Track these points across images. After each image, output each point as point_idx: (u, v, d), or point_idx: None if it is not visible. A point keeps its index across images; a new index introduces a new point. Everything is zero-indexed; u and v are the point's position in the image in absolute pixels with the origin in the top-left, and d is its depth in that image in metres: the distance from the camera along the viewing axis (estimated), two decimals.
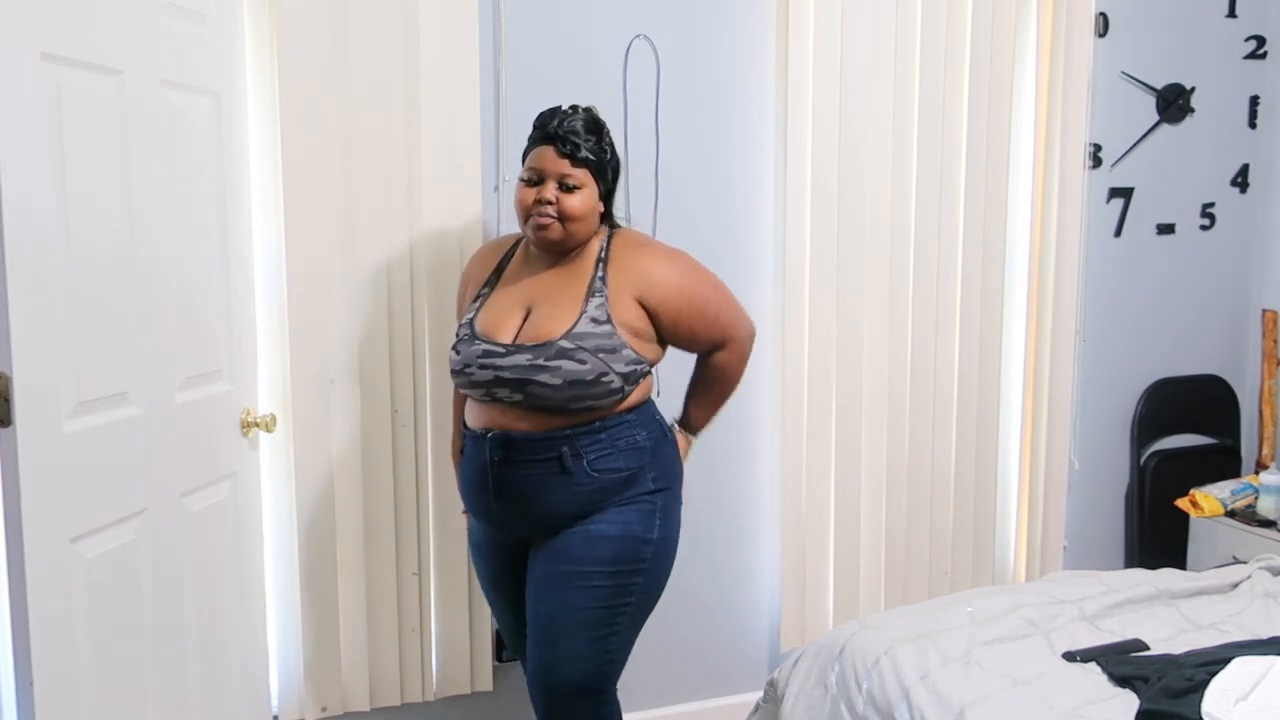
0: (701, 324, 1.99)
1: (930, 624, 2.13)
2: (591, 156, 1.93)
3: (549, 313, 1.91)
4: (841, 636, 2.16)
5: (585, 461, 1.89)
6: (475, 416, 1.98)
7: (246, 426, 2.16)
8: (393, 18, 2.29)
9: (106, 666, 1.73)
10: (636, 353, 1.90)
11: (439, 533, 2.43)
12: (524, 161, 1.98)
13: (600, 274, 1.93)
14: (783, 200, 2.66)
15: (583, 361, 1.84)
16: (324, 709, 2.40)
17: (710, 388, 2.09)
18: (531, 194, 1.92)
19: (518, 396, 1.87)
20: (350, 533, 2.36)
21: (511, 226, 2.46)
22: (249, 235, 2.21)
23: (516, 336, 1.91)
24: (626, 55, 2.56)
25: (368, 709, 2.44)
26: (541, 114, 1.99)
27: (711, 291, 2.02)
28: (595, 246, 1.97)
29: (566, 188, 1.91)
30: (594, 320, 1.88)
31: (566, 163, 1.91)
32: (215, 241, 2.05)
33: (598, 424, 1.90)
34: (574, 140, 1.92)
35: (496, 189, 2.47)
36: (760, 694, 2.31)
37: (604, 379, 1.86)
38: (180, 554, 1.93)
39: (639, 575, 1.94)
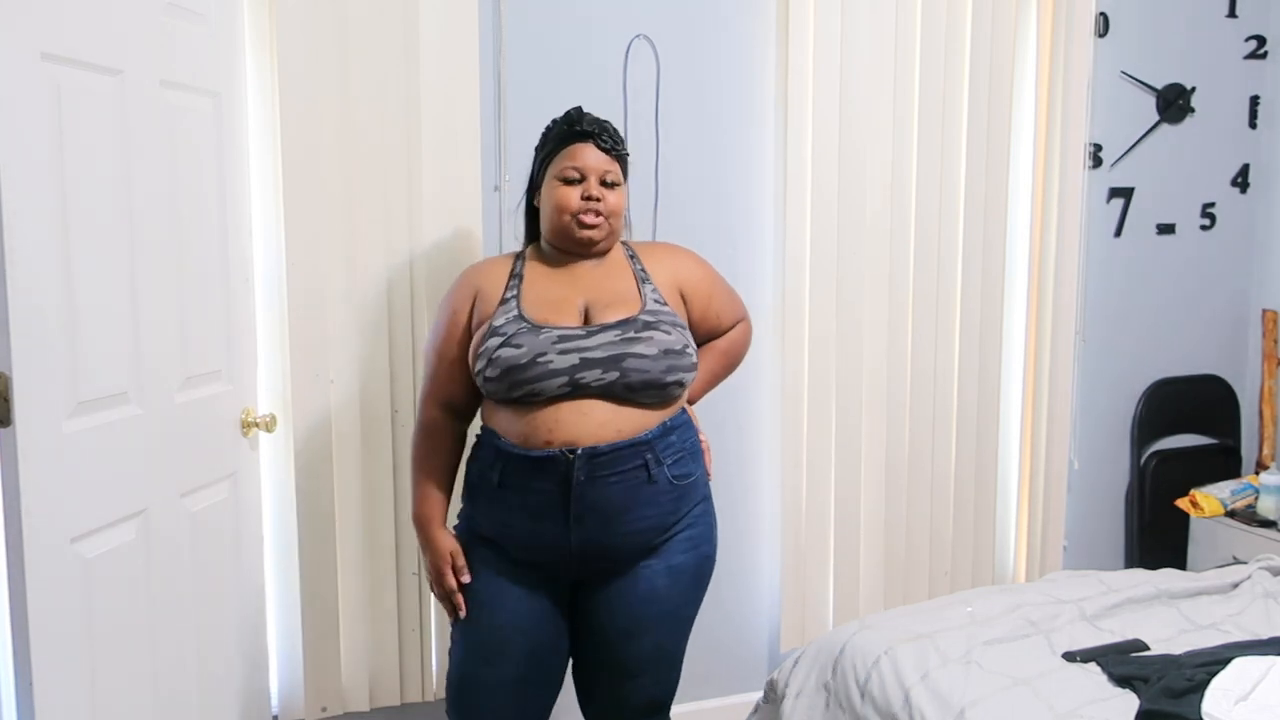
0: (724, 306, 2.07)
1: (930, 624, 2.13)
2: (626, 153, 1.96)
3: (611, 299, 1.87)
4: (841, 636, 2.16)
5: (665, 468, 1.83)
6: (539, 432, 1.78)
7: (246, 426, 2.16)
8: (393, 18, 2.29)
9: (106, 666, 1.73)
10: (691, 335, 1.93)
11: None
12: (546, 162, 1.94)
13: (639, 267, 1.95)
14: (783, 200, 2.66)
15: (668, 332, 1.83)
16: (324, 709, 2.40)
17: (724, 360, 2.12)
18: (576, 193, 1.88)
19: (612, 375, 1.77)
20: (350, 533, 2.36)
21: (516, 229, 2.46)
22: (249, 235, 2.21)
23: (586, 322, 1.85)
24: (626, 55, 2.56)
25: (368, 709, 2.44)
26: (566, 115, 1.95)
27: (724, 279, 2.11)
28: (618, 248, 1.99)
29: (608, 184, 1.90)
30: (657, 301, 1.90)
31: (607, 158, 1.90)
32: (215, 242, 2.05)
33: (669, 424, 1.85)
34: (614, 136, 1.92)
35: (496, 189, 2.47)
36: (760, 694, 2.31)
37: (687, 350, 1.86)
38: (180, 554, 1.93)
39: (704, 592, 1.98)
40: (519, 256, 2.00)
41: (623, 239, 2.04)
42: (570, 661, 1.98)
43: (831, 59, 2.64)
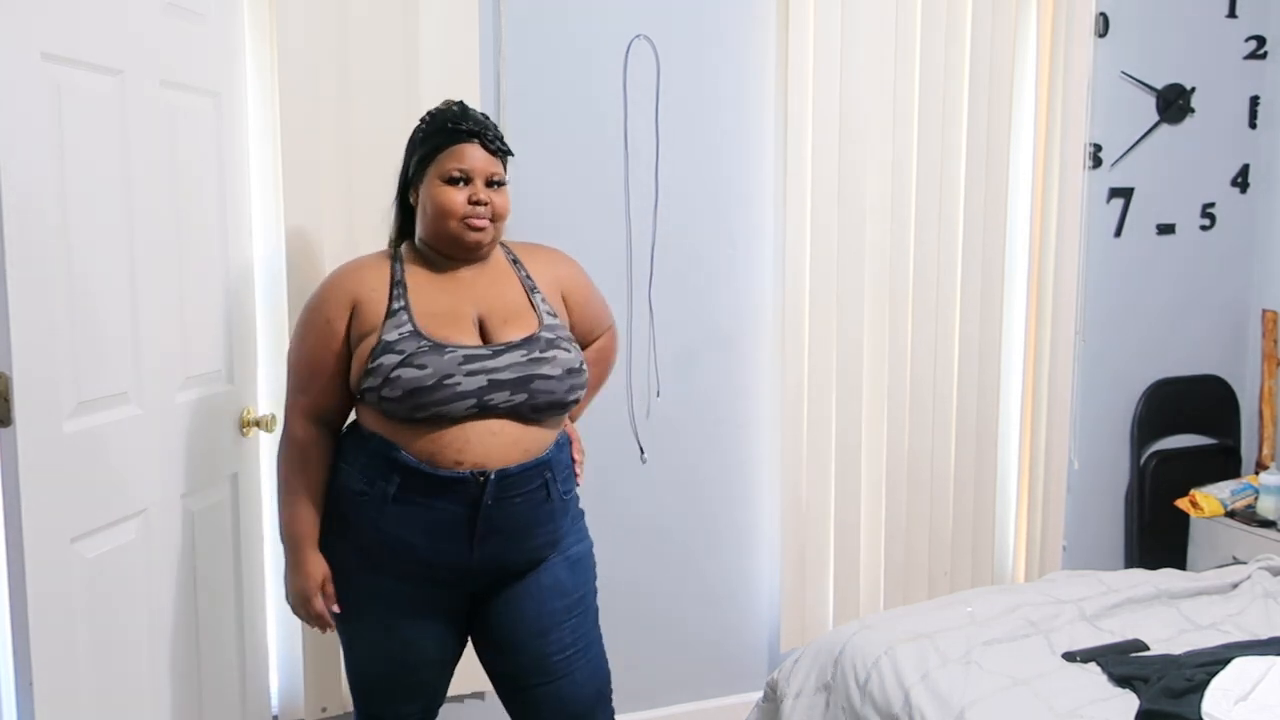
0: (599, 310, 2.06)
1: (930, 624, 2.13)
2: (510, 152, 1.88)
3: (504, 312, 1.82)
4: (841, 636, 2.16)
5: (558, 484, 1.83)
6: (448, 451, 1.72)
7: (246, 426, 2.16)
8: (393, 18, 2.29)
9: (106, 666, 1.73)
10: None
11: None
12: (426, 161, 1.83)
13: (524, 274, 1.90)
14: (783, 200, 2.66)
15: (568, 350, 1.82)
16: (324, 709, 2.40)
17: (599, 370, 2.09)
18: (463, 194, 1.79)
19: (520, 397, 1.75)
20: None
21: (514, 229, 2.46)
22: (249, 235, 2.21)
23: (484, 339, 1.79)
24: (626, 55, 2.56)
25: None
26: (442, 112, 1.85)
27: (595, 285, 2.07)
28: (497, 250, 1.92)
29: (493, 184, 1.82)
30: (550, 314, 1.86)
31: (494, 159, 1.83)
32: (215, 241, 2.05)
33: (560, 440, 1.85)
34: (497, 135, 1.84)
35: None
36: (760, 694, 2.31)
37: (583, 366, 1.84)
38: (180, 554, 1.93)
39: (596, 580, 1.98)
40: (394, 258, 1.86)
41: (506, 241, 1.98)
42: (493, 683, 1.94)
43: (831, 59, 2.64)
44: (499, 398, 1.74)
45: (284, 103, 2.22)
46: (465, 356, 1.73)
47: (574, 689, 1.89)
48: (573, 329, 1.95)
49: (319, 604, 1.82)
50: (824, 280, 2.70)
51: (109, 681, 1.74)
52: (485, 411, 1.74)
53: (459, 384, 1.71)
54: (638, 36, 2.56)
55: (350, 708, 2.41)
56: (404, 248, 1.90)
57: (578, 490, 1.94)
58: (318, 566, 1.82)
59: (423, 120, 1.88)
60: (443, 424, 1.72)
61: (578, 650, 1.89)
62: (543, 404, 1.78)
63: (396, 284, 1.80)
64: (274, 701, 2.38)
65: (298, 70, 2.22)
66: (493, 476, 1.72)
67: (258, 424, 2.18)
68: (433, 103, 2.31)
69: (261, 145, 2.25)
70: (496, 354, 1.76)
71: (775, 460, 2.76)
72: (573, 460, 1.92)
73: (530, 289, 1.88)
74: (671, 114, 2.60)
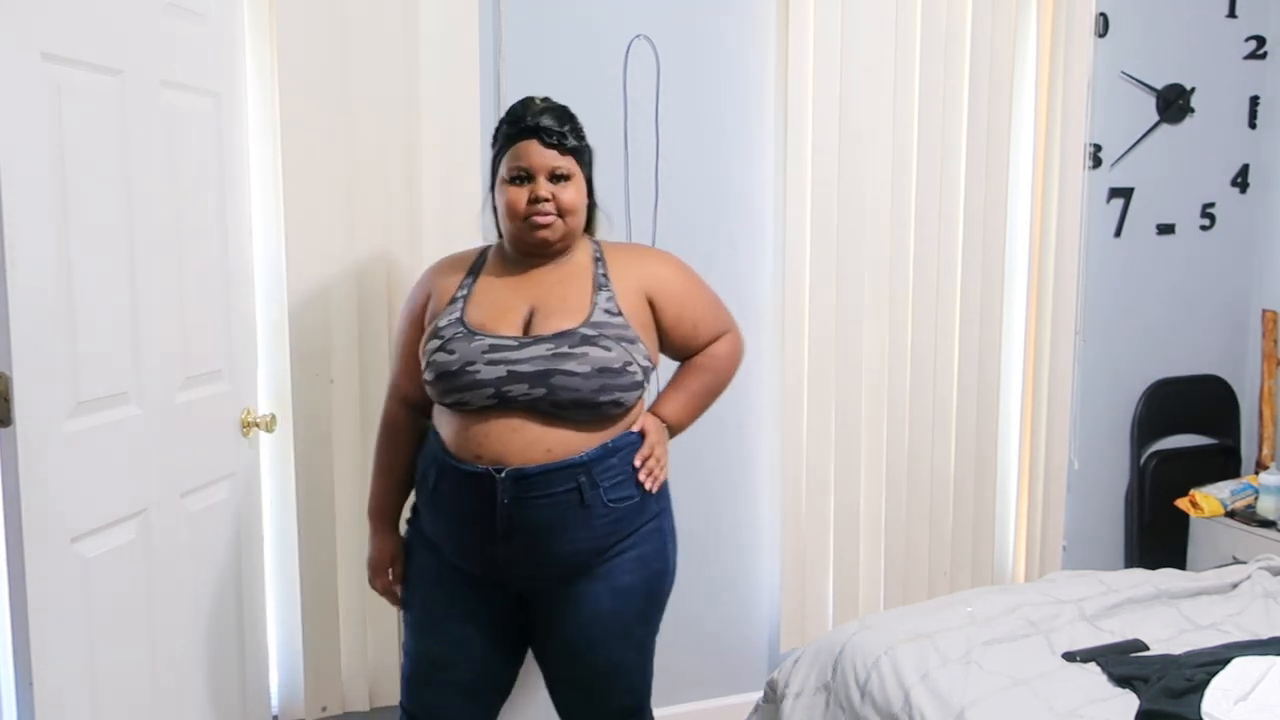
0: (703, 314, 1.93)
1: (930, 624, 2.13)
2: (575, 143, 1.83)
3: (558, 307, 1.77)
4: (841, 636, 2.16)
5: (601, 491, 1.74)
6: (469, 444, 1.73)
7: (246, 426, 2.16)
8: (393, 18, 2.29)
9: (106, 666, 1.73)
10: (647, 349, 1.81)
11: None
12: (497, 162, 1.85)
13: (601, 271, 1.84)
14: (783, 200, 2.66)
15: (608, 349, 1.72)
16: (324, 709, 2.40)
17: (706, 378, 1.96)
18: (524, 193, 1.79)
19: (539, 391, 1.69)
20: (350, 533, 2.36)
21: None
22: (249, 235, 2.21)
23: (526, 331, 1.76)
24: (626, 55, 2.56)
25: (367, 709, 2.44)
26: (511, 109, 1.86)
27: (706, 287, 1.97)
28: (587, 250, 1.90)
29: (557, 179, 1.80)
30: (607, 312, 1.77)
31: (554, 153, 1.79)
32: (215, 241, 2.05)
33: (610, 445, 1.75)
34: (556, 130, 1.80)
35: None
36: (760, 694, 2.31)
37: (629, 368, 1.74)
38: (180, 554, 1.93)
39: (663, 607, 1.93)
40: (483, 253, 1.92)
41: (596, 238, 1.95)
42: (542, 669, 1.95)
43: (831, 59, 2.64)
44: (517, 390, 1.70)
45: (284, 103, 2.22)
46: (491, 345, 1.73)
47: (604, 704, 1.91)
48: (668, 332, 1.88)
49: (382, 580, 1.93)
50: (824, 280, 2.70)
51: (109, 681, 1.74)
52: (505, 404, 1.71)
53: (478, 372, 1.71)
54: (638, 36, 2.56)
55: (350, 708, 2.43)
56: (496, 244, 1.94)
57: (654, 500, 1.84)
58: (386, 544, 1.94)
59: (499, 119, 1.91)
60: (469, 415, 1.74)
61: (610, 675, 1.88)
62: (564, 401, 1.71)
63: (469, 276, 1.87)
64: (274, 701, 2.38)
65: (298, 70, 2.22)
66: (505, 474, 1.70)
67: (258, 424, 2.18)
68: (433, 102, 2.34)
69: (261, 145, 2.25)
70: (522, 345, 1.72)
71: (775, 460, 2.76)
72: (634, 465, 1.80)
73: (599, 286, 1.82)
74: (671, 114, 2.60)
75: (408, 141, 2.32)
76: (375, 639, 2.42)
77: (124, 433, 1.77)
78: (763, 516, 2.81)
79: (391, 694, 2.44)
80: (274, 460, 2.33)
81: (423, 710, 1.88)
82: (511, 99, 2.45)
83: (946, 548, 2.91)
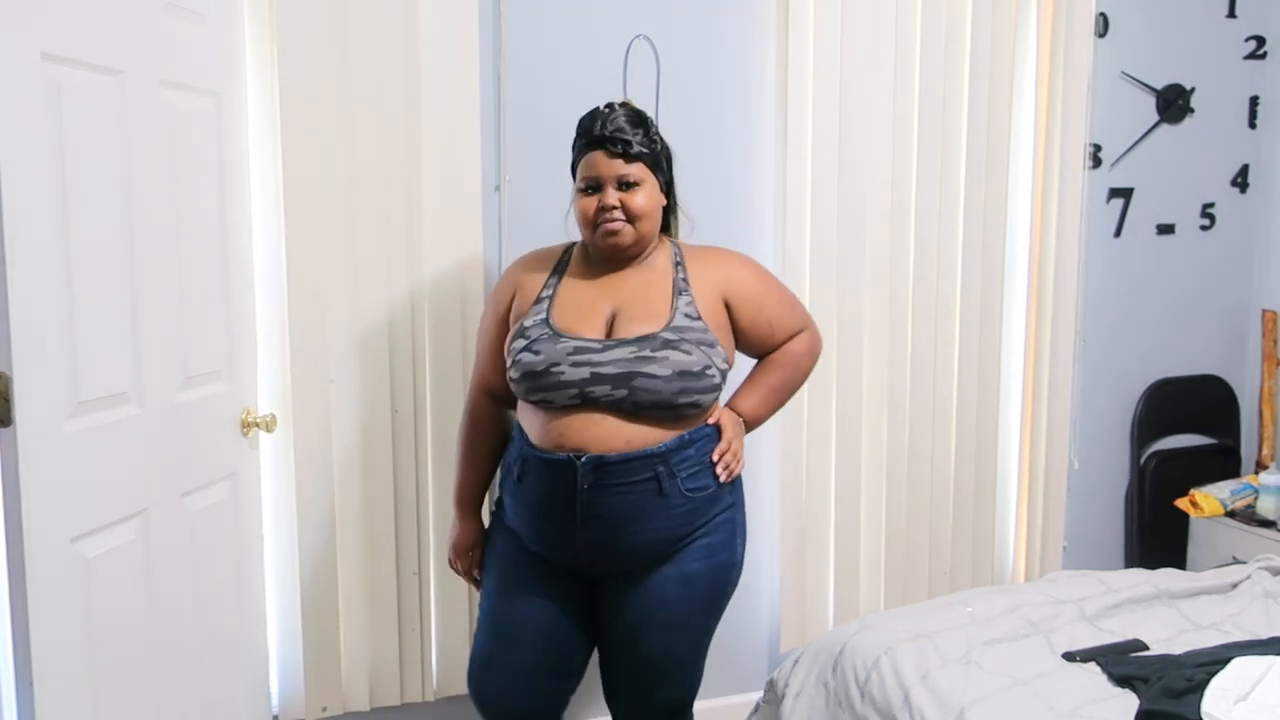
0: (780, 314, 2.00)
1: (930, 624, 2.13)
2: (644, 150, 1.89)
3: (640, 310, 1.85)
4: (841, 636, 2.16)
5: (679, 481, 1.82)
6: (551, 434, 1.82)
7: (246, 426, 2.16)
8: (393, 18, 2.29)
9: (106, 666, 1.73)
10: (725, 351, 1.88)
11: (439, 532, 2.42)
12: (575, 172, 1.93)
13: (681, 275, 1.91)
14: (783, 200, 2.66)
15: (688, 353, 1.80)
16: (324, 709, 2.40)
17: (783, 374, 2.04)
18: (593, 202, 1.87)
19: (620, 393, 1.77)
20: (350, 533, 2.36)
21: (516, 229, 2.47)
22: (249, 235, 2.21)
23: (608, 334, 1.84)
24: (626, 55, 2.56)
25: (367, 709, 2.44)
26: (582, 119, 1.94)
27: (782, 286, 2.06)
28: (667, 253, 1.95)
29: (626, 186, 1.87)
30: (687, 316, 1.85)
31: (619, 162, 1.87)
32: (215, 242, 2.05)
33: (687, 437, 1.83)
34: (622, 138, 1.87)
35: (497, 189, 2.47)
36: (760, 694, 2.31)
37: (708, 371, 1.81)
38: (180, 554, 1.93)
39: (727, 599, 1.98)
40: (567, 251, 2.00)
41: (676, 240, 2.01)
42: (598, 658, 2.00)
43: (831, 59, 2.64)
44: (600, 391, 1.78)
45: (284, 103, 2.22)
46: (575, 348, 1.81)
47: (652, 695, 1.96)
48: (745, 333, 1.95)
49: (461, 564, 2.07)
50: (824, 280, 2.70)
51: (109, 681, 1.74)
52: (588, 403, 1.80)
53: (563, 373, 1.79)
54: (638, 36, 2.56)
55: (350, 708, 2.42)
56: (580, 243, 2.00)
57: (729, 492, 1.91)
58: (467, 531, 2.06)
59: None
60: (552, 410, 1.82)
61: (663, 667, 1.93)
62: (645, 402, 1.79)
63: (554, 275, 1.94)
64: (274, 701, 2.38)
65: (298, 70, 2.23)
66: (584, 460, 1.77)
67: (258, 424, 2.18)
68: (433, 102, 2.34)
69: (261, 145, 2.25)
70: (606, 349, 1.80)
71: (775, 460, 2.76)
72: (712, 459, 1.87)
73: (679, 291, 1.88)
74: (671, 114, 2.60)
75: (408, 141, 2.32)
76: (375, 639, 2.42)
77: (124, 433, 1.77)
78: (763, 517, 2.80)
79: (392, 694, 2.45)
80: (274, 460, 2.33)
81: (480, 695, 1.96)
82: (511, 99, 2.47)
83: (946, 548, 2.91)
